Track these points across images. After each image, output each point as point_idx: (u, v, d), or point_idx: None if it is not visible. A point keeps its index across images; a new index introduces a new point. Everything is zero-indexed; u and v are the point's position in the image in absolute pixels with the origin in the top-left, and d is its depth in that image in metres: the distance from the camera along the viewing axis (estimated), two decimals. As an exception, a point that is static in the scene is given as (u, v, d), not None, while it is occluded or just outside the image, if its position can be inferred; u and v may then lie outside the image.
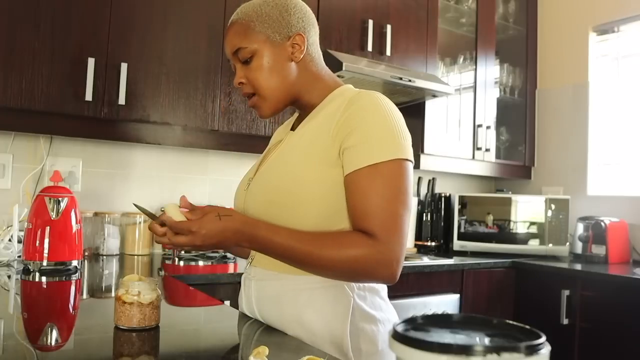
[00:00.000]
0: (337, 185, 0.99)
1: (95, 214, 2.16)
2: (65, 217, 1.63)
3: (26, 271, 1.59)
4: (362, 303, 1.02)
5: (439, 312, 2.13)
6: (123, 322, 0.94)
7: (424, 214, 2.97)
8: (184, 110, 2.05)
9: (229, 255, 2.12)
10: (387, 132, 0.97)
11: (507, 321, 0.50)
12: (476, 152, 2.91)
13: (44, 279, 1.54)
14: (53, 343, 0.94)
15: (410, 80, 2.39)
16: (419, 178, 3.03)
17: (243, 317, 1.11)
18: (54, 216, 1.61)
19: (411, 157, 1.00)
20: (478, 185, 3.40)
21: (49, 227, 1.60)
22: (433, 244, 2.93)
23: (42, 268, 1.59)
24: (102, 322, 1.08)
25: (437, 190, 3.02)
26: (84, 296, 1.43)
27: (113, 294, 1.30)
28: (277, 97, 1.08)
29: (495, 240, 2.78)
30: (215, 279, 1.79)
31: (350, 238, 0.95)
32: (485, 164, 2.99)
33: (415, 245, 2.89)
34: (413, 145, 1.05)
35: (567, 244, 2.72)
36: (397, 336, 0.46)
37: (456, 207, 2.85)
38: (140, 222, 2.20)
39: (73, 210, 1.66)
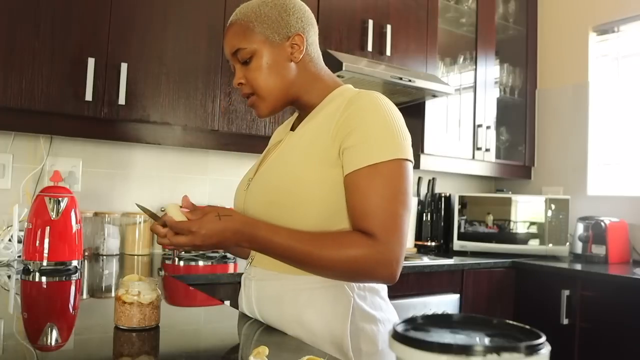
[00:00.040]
0: (337, 186, 0.99)
1: (95, 214, 2.16)
2: (65, 217, 1.63)
3: (26, 271, 1.59)
4: (362, 303, 1.02)
5: (439, 312, 2.13)
6: (123, 322, 0.94)
7: (424, 214, 2.97)
8: (184, 110, 2.05)
9: (229, 255, 2.12)
10: (386, 132, 0.97)
11: (507, 321, 0.50)
12: (476, 152, 2.92)
13: (44, 279, 1.54)
14: (53, 343, 0.94)
15: (410, 80, 2.39)
16: (419, 178, 3.03)
17: (243, 317, 1.11)
18: (54, 216, 1.61)
19: (411, 157, 1.00)
20: (478, 185, 3.40)
21: (49, 227, 1.60)
22: (433, 244, 2.93)
23: (42, 268, 1.59)
24: (102, 322, 1.08)
25: (437, 190, 3.02)
26: (84, 296, 1.43)
27: (113, 294, 1.31)
28: (276, 97, 1.08)
29: (495, 240, 2.78)
30: (215, 279, 1.79)
31: (350, 238, 0.95)
32: (485, 164, 2.99)
33: (415, 245, 2.89)
34: (413, 145, 1.05)
35: (567, 244, 2.72)
36: (397, 336, 0.46)
37: (456, 207, 2.85)
38: (140, 222, 2.20)
39: (73, 210, 1.66)
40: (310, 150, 1.02)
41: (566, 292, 2.34)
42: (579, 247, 2.70)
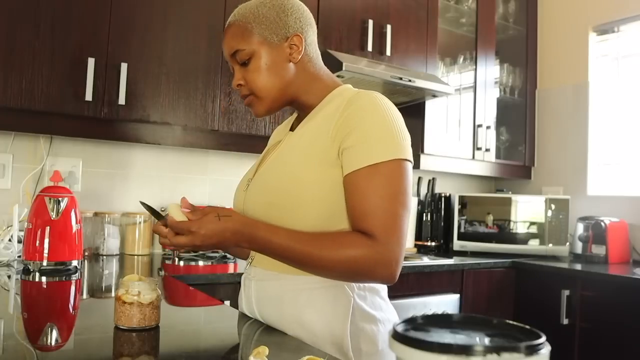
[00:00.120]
0: (336, 186, 0.99)
1: (95, 214, 2.16)
2: (65, 217, 1.63)
3: (26, 271, 1.59)
4: (362, 303, 1.02)
5: (439, 312, 2.13)
6: (123, 322, 0.94)
7: (424, 214, 2.97)
8: (184, 110, 2.05)
9: (228, 255, 2.12)
10: (386, 132, 0.97)
11: (507, 321, 0.50)
12: (476, 152, 2.92)
13: (44, 279, 1.54)
14: (53, 343, 0.94)
15: (410, 80, 2.39)
16: (419, 178, 3.03)
17: (243, 317, 1.11)
18: (54, 216, 1.61)
19: (410, 157, 1.00)
20: (478, 185, 3.40)
21: (49, 227, 1.60)
22: (433, 244, 2.93)
23: (42, 268, 1.59)
24: (102, 322, 1.08)
25: (437, 190, 3.02)
26: (84, 296, 1.43)
27: (113, 294, 1.31)
28: (274, 98, 1.08)
29: (495, 240, 2.78)
30: (215, 279, 1.79)
31: (350, 238, 0.95)
32: (485, 164, 2.99)
33: (415, 245, 2.89)
34: (413, 145, 1.04)
35: (567, 244, 2.72)
36: (397, 336, 0.46)
37: (456, 207, 2.85)
38: (140, 222, 2.20)
39: (73, 210, 1.66)
40: (309, 151, 1.02)
41: (566, 292, 2.34)
42: (579, 247, 2.70)
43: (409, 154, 1.00)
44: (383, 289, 1.08)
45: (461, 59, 2.98)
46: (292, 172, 1.02)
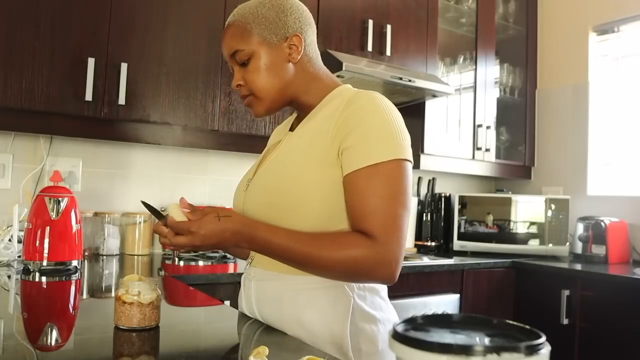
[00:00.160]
0: (336, 186, 0.99)
1: (95, 214, 2.16)
2: (65, 217, 1.63)
3: (26, 271, 1.59)
4: (362, 303, 1.02)
5: (439, 312, 2.13)
6: (123, 322, 0.94)
7: (424, 214, 2.97)
8: (184, 110, 2.06)
9: (228, 255, 2.12)
10: (385, 132, 0.97)
11: (507, 321, 0.50)
12: (476, 152, 2.92)
13: (44, 279, 1.54)
14: (53, 343, 0.94)
15: (410, 80, 2.39)
16: (419, 178, 3.03)
17: (243, 317, 1.11)
18: (54, 216, 1.61)
19: (410, 157, 1.00)
20: (478, 185, 3.40)
21: (49, 227, 1.60)
22: (433, 244, 2.93)
23: (42, 268, 1.59)
24: (102, 322, 1.08)
25: (437, 190, 3.02)
26: (84, 296, 1.43)
27: (113, 294, 1.31)
28: (273, 98, 1.08)
29: (495, 240, 2.78)
30: (215, 279, 1.79)
31: (349, 238, 0.95)
32: (485, 164, 2.99)
33: (415, 245, 2.89)
34: (413, 145, 1.04)
35: (567, 244, 2.72)
36: (397, 336, 0.46)
37: (456, 207, 2.85)
38: (140, 222, 2.20)
39: (73, 210, 1.66)
40: (309, 151, 1.02)
41: (566, 292, 2.34)
42: (579, 247, 2.70)
43: (408, 154, 0.99)
44: (383, 289, 1.08)
45: (461, 59, 2.98)
46: (291, 173, 1.02)
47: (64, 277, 1.57)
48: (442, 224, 2.96)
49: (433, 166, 2.77)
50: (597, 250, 2.62)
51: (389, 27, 2.52)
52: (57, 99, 1.82)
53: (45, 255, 1.59)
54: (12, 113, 1.77)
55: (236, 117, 2.16)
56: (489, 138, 2.96)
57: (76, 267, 1.66)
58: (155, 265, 2.02)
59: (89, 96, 1.84)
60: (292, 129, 1.15)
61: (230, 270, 1.94)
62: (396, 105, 1.06)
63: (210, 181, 2.47)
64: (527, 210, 2.80)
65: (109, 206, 2.23)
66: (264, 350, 0.77)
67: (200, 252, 2.10)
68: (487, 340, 0.47)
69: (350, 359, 0.98)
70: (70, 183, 2.12)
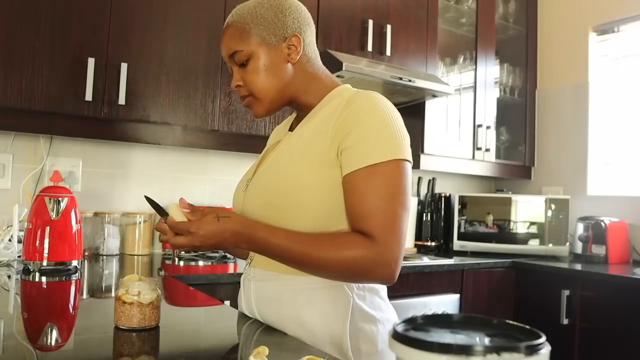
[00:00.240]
0: (335, 187, 0.99)
1: (95, 214, 2.16)
2: (65, 217, 1.63)
3: (26, 271, 1.59)
4: (361, 303, 1.02)
5: (439, 312, 2.13)
6: (123, 322, 0.94)
7: (424, 214, 2.97)
8: (184, 110, 2.06)
9: (228, 255, 2.12)
10: (385, 133, 0.97)
11: (507, 321, 0.50)
12: (476, 152, 2.92)
13: (44, 279, 1.54)
14: (53, 343, 0.94)
15: (410, 80, 2.39)
16: (419, 178, 3.03)
17: (243, 317, 1.11)
18: (54, 216, 1.61)
19: (409, 157, 1.00)
20: (478, 185, 3.40)
21: (49, 227, 1.60)
22: (433, 244, 2.93)
23: (42, 268, 1.59)
24: (102, 322, 1.08)
25: (437, 190, 3.02)
26: (84, 296, 1.43)
27: (113, 294, 1.31)
28: (272, 99, 1.08)
29: (495, 240, 2.78)
30: (215, 279, 1.79)
31: (349, 239, 0.95)
32: (485, 164, 2.99)
33: (415, 245, 2.89)
34: (413, 145, 1.05)
35: (567, 244, 2.72)
36: (397, 336, 0.46)
37: (456, 207, 2.85)
38: (140, 222, 2.20)
39: (73, 210, 1.66)
40: (308, 151, 1.02)
41: (566, 292, 2.34)
42: (579, 247, 2.70)
43: (408, 154, 0.99)
44: (382, 289, 1.08)
45: (461, 59, 2.98)
46: (291, 173, 1.01)
47: (64, 277, 1.57)
48: (442, 224, 2.96)
49: (433, 166, 2.77)
50: (597, 250, 2.62)
51: (389, 27, 2.52)
52: (57, 99, 1.82)
53: (45, 255, 1.59)
54: (12, 113, 1.77)
55: (236, 117, 2.16)
56: (489, 138, 2.96)
57: (76, 267, 1.66)
58: (155, 265, 2.02)
59: (89, 96, 1.84)
60: (291, 129, 1.15)
61: (230, 270, 1.94)
62: (396, 105, 1.05)
63: (210, 181, 2.47)
64: (527, 210, 2.80)
65: (109, 206, 2.23)
66: (264, 350, 0.77)
67: (200, 252, 2.10)
68: (487, 340, 0.47)
69: (350, 359, 0.98)
70: (70, 183, 2.12)
